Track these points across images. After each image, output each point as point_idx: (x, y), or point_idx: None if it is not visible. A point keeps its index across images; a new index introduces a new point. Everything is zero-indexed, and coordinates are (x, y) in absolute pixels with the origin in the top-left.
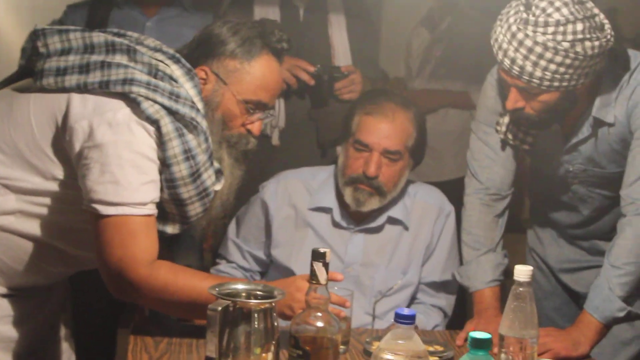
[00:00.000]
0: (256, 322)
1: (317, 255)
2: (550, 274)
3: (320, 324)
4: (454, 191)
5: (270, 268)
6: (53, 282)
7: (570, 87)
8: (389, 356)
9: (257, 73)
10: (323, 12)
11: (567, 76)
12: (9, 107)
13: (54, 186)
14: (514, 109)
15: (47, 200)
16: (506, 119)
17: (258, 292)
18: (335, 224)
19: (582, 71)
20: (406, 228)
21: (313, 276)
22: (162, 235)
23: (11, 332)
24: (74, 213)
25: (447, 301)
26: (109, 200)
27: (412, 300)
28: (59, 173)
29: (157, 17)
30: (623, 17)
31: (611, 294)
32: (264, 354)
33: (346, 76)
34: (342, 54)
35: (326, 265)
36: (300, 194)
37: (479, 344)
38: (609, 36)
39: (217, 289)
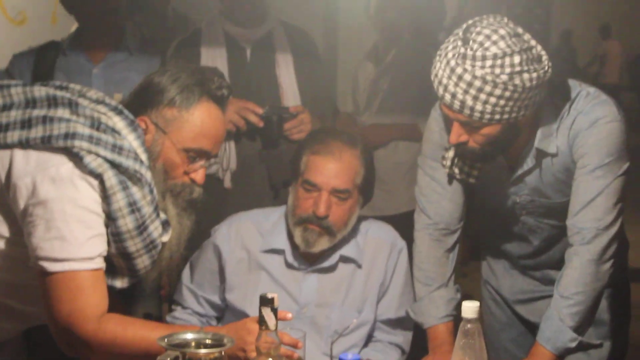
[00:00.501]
0: None
1: (265, 301)
2: (505, 305)
3: None
4: (407, 224)
5: (226, 312)
6: (5, 339)
7: (512, 119)
8: None
9: (197, 121)
10: (270, 52)
11: (507, 108)
12: None
13: (0, 244)
14: (457, 143)
15: None
16: (451, 153)
17: (207, 341)
18: (289, 265)
19: (522, 103)
20: (359, 266)
21: (262, 322)
22: (111, 290)
23: None
24: (22, 270)
25: (404, 337)
26: (55, 257)
27: (369, 338)
28: (5, 231)
29: (103, 63)
30: (577, 39)
31: (562, 324)
32: None
33: (295, 116)
34: (290, 94)
35: (274, 311)
36: (252, 236)
37: None
38: (546, 67)
39: (165, 340)
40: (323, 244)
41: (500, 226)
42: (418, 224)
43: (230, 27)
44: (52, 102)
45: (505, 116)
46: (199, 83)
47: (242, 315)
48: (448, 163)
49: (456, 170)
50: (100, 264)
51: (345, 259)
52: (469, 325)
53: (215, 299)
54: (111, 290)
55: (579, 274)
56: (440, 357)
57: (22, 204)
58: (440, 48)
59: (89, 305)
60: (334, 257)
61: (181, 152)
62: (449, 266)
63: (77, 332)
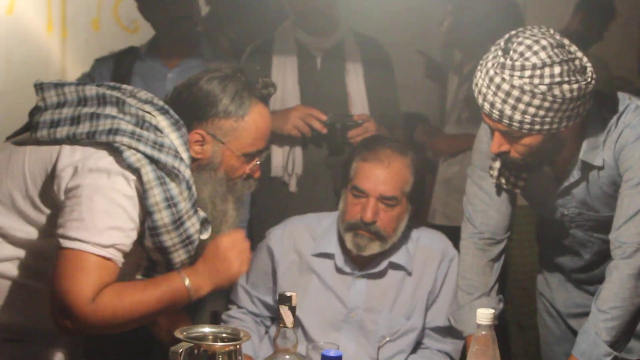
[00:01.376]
0: None
1: (284, 299)
2: (560, 318)
3: None
4: None
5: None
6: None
7: (553, 129)
8: None
9: (252, 127)
10: (340, 60)
11: (547, 119)
12: (7, 159)
13: (45, 236)
14: (498, 152)
15: (40, 249)
16: (498, 163)
17: (224, 335)
18: (338, 270)
19: (563, 114)
20: (409, 273)
21: (280, 319)
22: None
23: None
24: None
25: (453, 346)
26: (69, 235)
27: (418, 345)
28: (49, 223)
29: (178, 69)
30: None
31: (598, 338)
32: None
33: (359, 125)
34: (359, 103)
35: (292, 309)
36: (304, 240)
37: None
38: (589, 79)
39: (184, 332)
40: (374, 248)
41: (552, 238)
42: (464, 233)
43: (302, 36)
44: (102, 100)
45: (546, 127)
46: (246, 87)
47: None
48: (495, 173)
49: (503, 180)
50: (113, 255)
51: (394, 266)
52: (483, 332)
53: (269, 299)
54: None
55: (617, 288)
56: None
57: (61, 194)
58: (482, 58)
59: (88, 288)
60: (384, 264)
61: (240, 157)
62: (493, 276)
63: (71, 311)
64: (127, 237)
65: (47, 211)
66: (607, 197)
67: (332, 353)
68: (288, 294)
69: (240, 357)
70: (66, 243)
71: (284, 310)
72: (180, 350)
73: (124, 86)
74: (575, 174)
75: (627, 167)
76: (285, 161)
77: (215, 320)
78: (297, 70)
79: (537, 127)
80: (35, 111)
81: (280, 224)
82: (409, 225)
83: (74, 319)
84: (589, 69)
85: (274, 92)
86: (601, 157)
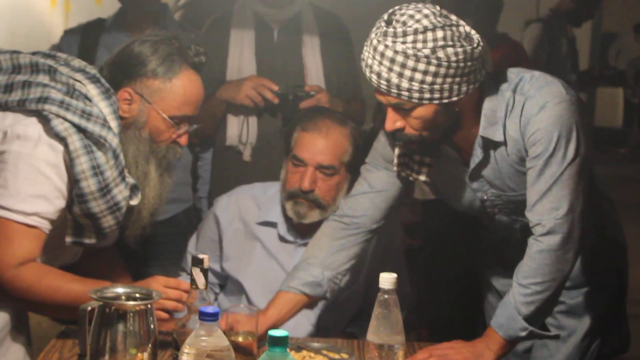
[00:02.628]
0: (131, 323)
1: (196, 261)
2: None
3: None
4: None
5: (227, 281)
6: None
7: (444, 98)
8: (186, 351)
9: (179, 90)
10: (297, 32)
11: (436, 87)
12: None
13: None
14: (393, 129)
15: None
16: (397, 151)
17: (137, 295)
18: (281, 238)
19: (452, 81)
20: None
21: (192, 281)
22: (81, 245)
23: None
24: None
25: None
26: None
27: (361, 312)
28: None
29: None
30: None
31: (515, 313)
32: (139, 354)
33: (311, 96)
34: (315, 75)
35: (204, 271)
36: (249, 209)
37: (276, 342)
38: (476, 45)
39: (97, 292)
40: (314, 216)
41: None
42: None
43: (260, 8)
44: (35, 68)
45: (436, 95)
46: (177, 52)
47: (237, 284)
48: (395, 161)
49: (407, 171)
50: (36, 222)
51: None
52: (385, 296)
53: (217, 267)
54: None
55: (537, 264)
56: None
57: None
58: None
59: (10, 254)
60: None
61: (166, 120)
62: (325, 250)
63: None
64: (51, 205)
65: None
66: (521, 174)
67: (209, 309)
68: (200, 256)
69: (152, 317)
70: None
71: (196, 272)
72: (89, 308)
73: (59, 54)
74: (479, 153)
75: (533, 140)
76: (240, 130)
77: None
78: (254, 42)
79: (426, 95)
80: None
81: (227, 192)
82: None
83: None
84: (476, 38)
85: (204, 61)
86: (501, 132)
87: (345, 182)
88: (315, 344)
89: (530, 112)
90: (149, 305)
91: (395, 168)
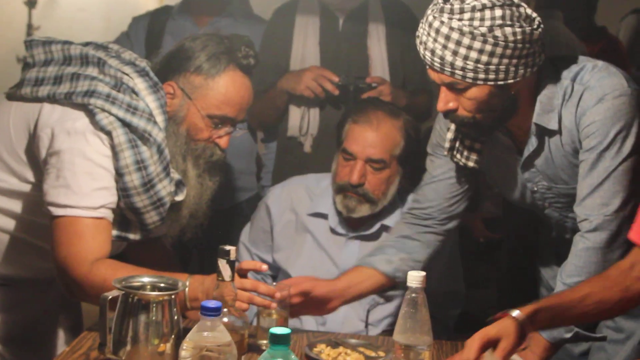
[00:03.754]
0: (154, 314)
1: (222, 253)
2: None
3: (225, 319)
4: None
5: (279, 272)
6: (42, 277)
7: (500, 79)
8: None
9: (221, 89)
10: (363, 22)
11: (492, 67)
12: None
13: (27, 188)
14: (445, 110)
15: (22, 200)
16: (450, 134)
17: (162, 285)
18: (332, 230)
19: (509, 62)
20: None
21: (218, 273)
22: (125, 241)
23: None
24: (44, 213)
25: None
26: (59, 203)
27: None
28: (31, 176)
29: (207, 27)
30: None
31: None
32: (162, 345)
33: (373, 87)
34: (379, 65)
35: (230, 263)
36: (301, 200)
37: (277, 340)
38: (535, 26)
39: (122, 282)
40: (363, 210)
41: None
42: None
43: None
44: (84, 60)
45: (492, 76)
46: (226, 52)
47: (287, 275)
48: (447, 145)
49: (457, 156)
50: (103, 214)
51: (386, 228)
52: (413, 295)
53: (268, 257)
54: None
55: (583, 262)
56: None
57: (43, 152)
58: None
59: (84, 250)
60: (376, 226)
61: (205, 118)
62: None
63: (71, 274)
64: (112, 194)
65: (31, 165)
66: (574, 167)
67: (211, 304)
68: (227, 248)
69: (175, 308)
70: (57, 211)
71: (222, 264)
72: (109, 297)
73: (111, 45)
74: (534, 141)
75: (587, 133)
76: (301, 121)
77: None
78: (318, 31)
79: (481, 75)
80: (25, 67)
81: (280, 183)
82: (405, 188)
83: (74, 281)
84: (537, 20)
85: (254, 63)
86: (556, 121)
87: (397, 175)
88: (352, 341)
89: (588, 104)
90: (172, 296)
91: (445, 153)
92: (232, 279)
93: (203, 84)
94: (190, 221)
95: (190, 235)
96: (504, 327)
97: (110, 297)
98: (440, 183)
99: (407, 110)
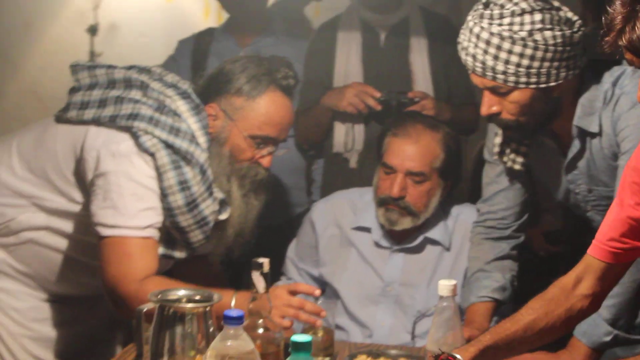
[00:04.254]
0: (189, 325)
1: (255, 266)
2: None
3: (260, 330)
4: None
5: (326, 286)
6: (93, 293)
7: (541, 83)
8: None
9: (262, 110)
10: (404, 37)
11: (533, 70)
12: (42, 131)
13: (75, 207)
14: (489, 114)
15: (71, 220)
16: (498, 139)
17: (197, 297)
18: (376, 244)
19: (550, 65)
20: (447, 249)
21: (252, 286)
22: (171, 259)
23: (51, 333)
24: (92, 232)
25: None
26: (107, 223)
27: None
28: (79, 197)
29: (250, 47)
30: None
31: (598, 317)
32: (198, 356)
33: (415, 102)
34: (422, 80)
35: (264, 275)
36: (345, 214)
37: (299, 347)
38: (576, 29)
39: (159, 295)
40: (406, 223)
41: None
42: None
43: (366, 13)
44: (128, 83)
45: (533, 79)
46: (266, 73)
47: (333, 290)
48: (497, 149)
49: (504, 159)
50: (150, 233)
51: (430, 241)
52: (444, 304)
53: (315, 272)
54: None
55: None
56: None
57: (89, 175)
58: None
59: (132, 269)
60: (419, 238)
61: (247, 138)
62: (491, 252)
63: (120, 292)
64: (158, 214)
65: (78, 186)
66: (614, 169)
67: (233, 313)
68: (260, 260)
69: (210, 320)
70: (106, 231)
71: (256, 277)
72: (144, 309)
73: (154, 69)
74: (577, 144)
75: (622, 137)
76: (345, 137)
77: None
78: (360, 47)
79: (522, 79)
80: (71, 92)
81: (325, 197)
82: (449, 201)
83: (122, 299)
84: (577, 22)
85: (294, 84)
86: (597, 124)
87: (438, 188)
88: (393, 352)
89: (623, 108)
90: (207, 308)
91: (494, 157)
92: (267, 291)
93: (244, 106)
94: (237, 239)
95: (238, 253)
96: None
97: (145, 309)
98: (509, 190)
99: (452, 124)
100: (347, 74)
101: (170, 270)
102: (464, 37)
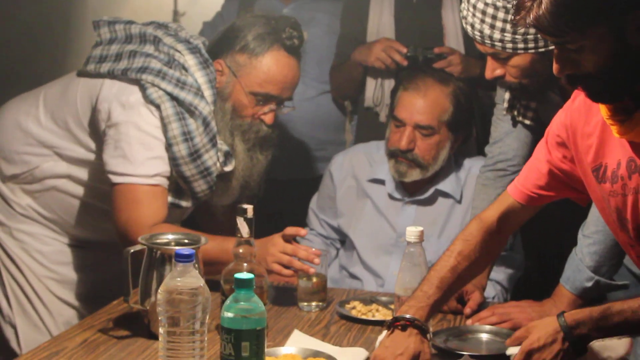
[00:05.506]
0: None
1: (240, 211)
2: None
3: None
4: None
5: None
6: (112, 239)
7: (540, 48)
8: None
9: (264, 67)
10: None
11: (530, 37)
12: (65, 85)
13: (92, 157)
14: (492, 77)
15: (88, 168)
16: (507, 94)
17: (185, 241)
18: (390, 195)
19: None
20: (458, 201)
21: (237, 230)
22: (178, 207)
23: (73, 276)
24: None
25: (505, 275)
26: (117, 171)
27: None
28: (94, 146)
29: (292, 5)
30: None
31: (580, 263)
32: None
33: (443, 57)
34: (453, 36)
35: (248, 220)
36: (362, 166)
37: (241, 284)
38: None
39: (148, 238)
40: (414, 175)
41: None
42: (480, 168)
43: None
44: (143, 38)
45: (531, 45)
46: (272, 32)
47: (350, 241)
48: (506, 105)
49: (514, 112)
50: (159, 181)
51: (442, 193)
52: (412, 249)
53: (334, 223)
54: None
55: (598, 212)
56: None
57: (102, 125)
58: None
59: (143, 215)
60: (430, 190)
61: (249, 95)
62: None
63: (131, 238)
64: (165, 164)
65: (93, 136)
66: None
67: (184, 251)
68: (244, 206)
69: (197, 264)
70: (116, 179)
71: (240, 222)
72: (131, 251)
73: (171, 24)
74: None
75: None
76: (375, 92)
77: None
78: (393, 3)
79: (520, 45)
80: (95, 46)
81: (344, 150)
82: (461, 154)
83: (133, 244)
84: None
85: (299, 44)
86: None
87: (447, 141)
88: (385, 299)
89: None
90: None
91: (504, 112)
92: (251, 236)
93: (247, 63)
94: (243, 192)
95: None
96: None
97: (132, 250)
98: (521, 130)
99: (482, 79)
100: (379, 30)
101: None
102: (463, 6)
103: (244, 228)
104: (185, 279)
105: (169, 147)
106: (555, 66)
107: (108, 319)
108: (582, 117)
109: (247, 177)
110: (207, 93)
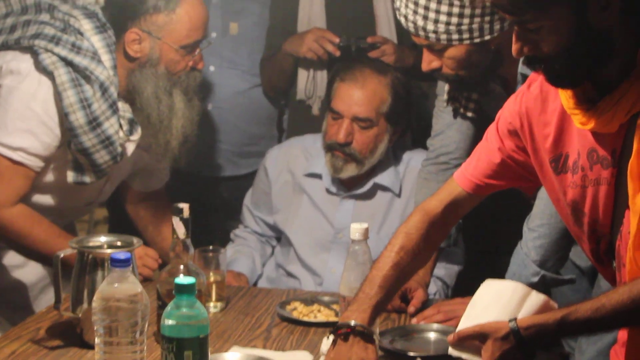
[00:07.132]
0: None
1: (176, 211)
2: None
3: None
4: None
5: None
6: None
7: (475, 38)
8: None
9: (185, 18)
10: None
11: (464, 27)
12: None
13: None
14: (429, 70)
15: None
16: (446, 86)
17: (118, 243)
18: (327, 190)
19: (481, 20)
20: (397, 195)
21: (173, 230)
22: (83, 184)
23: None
24: None
25: (446, 271)
26: None
27: None
28: None
29: None
30: None
31: (526, 258)
32: None
33: (375, 47)
34: (385, 25)
35: (184, 220)
36: (297, 160)
37: (182, 289)
38: None
39: (79, 242)
40: (350, 170)
41: None
42: (422, 162)
43: None
44: (38, 8)
45: (465, 35)
46: None
47: (286, 238)
48: (445, 97)
49: (456, 104)
50: (22, 158)
51: (380, 187)
52: (357, 247)
53: (270, 219)
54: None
55: (544, 204)
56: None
57: None
58: None
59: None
60: (368, 184)
61: (179, 49)
62: None
63: None
64: (37, 140)
65: None
66: None
67: (121, 256)
68: (180, 205)
69: (135, 268)
70: None
71: (176, 222)
72: (61, 255)
73: None
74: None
75: None
76: (306, 84)
77: None
78: None
79: (454, 36)
80: None
81: (279, 144)
82: (400, 146)
83: None
84: None
85: None
86: None
87: (385, 133)
88: (327, 298)
89: None
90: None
91: (445, 104)
92: (187, 236)
93: (166, 20)
94: (182, 147)
95: (185, 162)
96: None
97: (62, 254)
98: (462, 123)
99: (415, 70)
100: (310, 20)
101: (123, 209)
102: None
103: (179, 228)
104: (123, 285)
105: (65, 116)
106: (514, 47)
107: (37, 328)
108: (539, 104)
109: (187, 129)
110: (105, 57)
